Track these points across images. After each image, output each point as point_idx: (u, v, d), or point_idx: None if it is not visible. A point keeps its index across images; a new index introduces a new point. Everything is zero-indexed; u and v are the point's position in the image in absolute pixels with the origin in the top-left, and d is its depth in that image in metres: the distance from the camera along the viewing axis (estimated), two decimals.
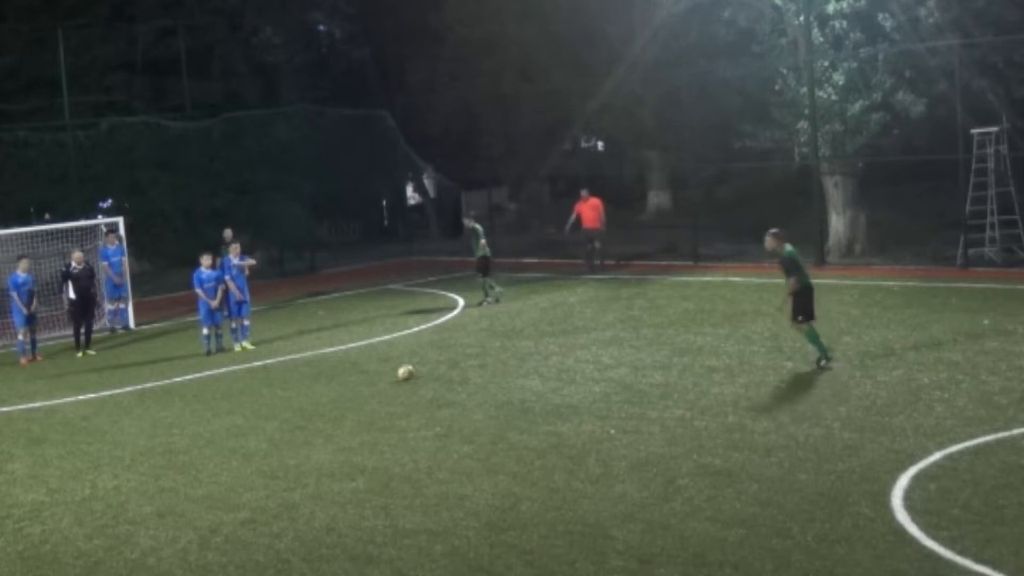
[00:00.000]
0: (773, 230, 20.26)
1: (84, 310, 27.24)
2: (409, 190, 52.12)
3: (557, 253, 38.96)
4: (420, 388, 20.02)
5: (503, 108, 45.20)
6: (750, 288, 29.52)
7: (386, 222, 50.90)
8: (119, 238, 30.28)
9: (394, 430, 17.30)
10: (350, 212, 47.79)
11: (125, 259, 30.46)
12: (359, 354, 23.89)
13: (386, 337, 25.35)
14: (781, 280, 20.53)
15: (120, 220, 31.31)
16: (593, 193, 36.60)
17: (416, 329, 26.52)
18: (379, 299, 32.52)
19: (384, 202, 50.31)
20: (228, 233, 28.99)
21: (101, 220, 32.77)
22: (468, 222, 31.58)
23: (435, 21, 46.17)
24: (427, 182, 50.77)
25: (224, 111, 41.45)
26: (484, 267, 30.36)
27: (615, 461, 14.92)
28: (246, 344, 25.30)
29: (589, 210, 36.05)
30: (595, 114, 43.28)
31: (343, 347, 24.75)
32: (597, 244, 36.06)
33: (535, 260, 38.71)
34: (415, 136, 45.83)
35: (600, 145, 52.53)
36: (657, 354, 21.74)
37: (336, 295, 34.24)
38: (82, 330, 27.14)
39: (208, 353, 24.91)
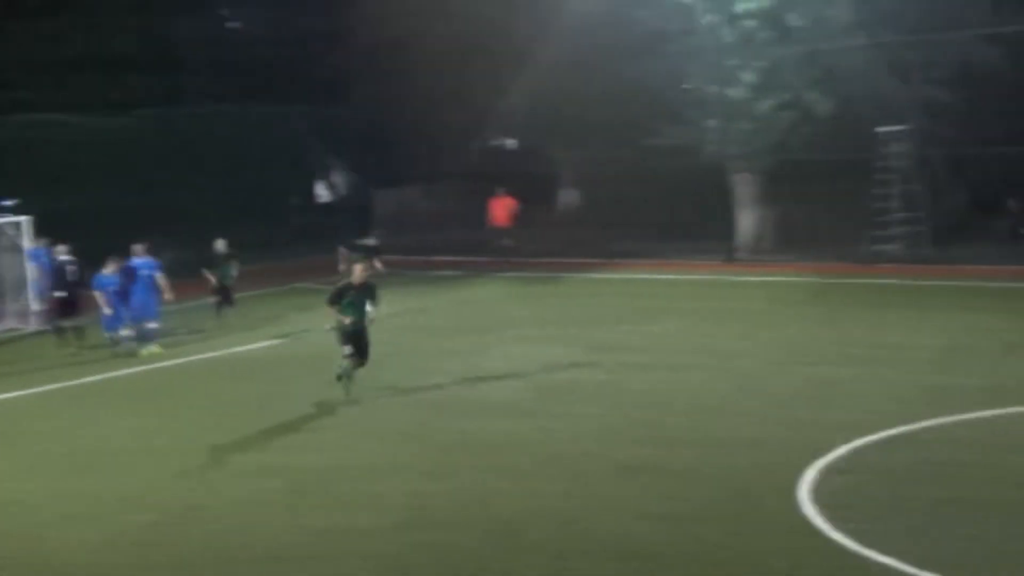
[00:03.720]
0: None
1: None
2: (320, 188, 51.70)
3: (469, 251, 38.92)
4: (331, 387, 19.87)
5: (415, 106, 45.02)
6: (660, 285, 29.72)
7: (295, 221, 50.42)
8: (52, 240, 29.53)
9: (305, 429, 17.17)
10: (259, 211, 47.29)
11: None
12: (269, 354, 23.67)
13: (297, 336, 25.16)
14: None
15: (25, 219, 30.66)
16: (508, 192, 36.69)
17: (328, 327, 26.31)
18: (289, 298, 32.22)
19: (294, 201, 49.86)
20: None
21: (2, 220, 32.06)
22: (221, 247, 27.45)
23: (347, 18, 45.88)
24: (338, 180, 50.40)
25: (134, 109, 40.87)
26: (227, 296, 27.42)
27: (528, 458, 14.93)
28: (153, 348, 24.86)
29: (500, 208, 36.19)
30: (507, 113, 43.29)
31: (253, 347, 24.50)
32: (506, 242, 36.18)
33: (447, 258, 38.62)
34: (327, 134, 45.49)
35: (510, 143, 52.47)
36: (568, 351, 21.80)
37: (246, 294, 33.89)
38: None
39: (118, 354, 24.47)
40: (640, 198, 38.66)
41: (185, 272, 37.37)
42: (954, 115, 33.68)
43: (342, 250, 28.50)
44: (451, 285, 32.62)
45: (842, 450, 14.30)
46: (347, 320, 18.52)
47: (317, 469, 15.01)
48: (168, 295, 24.74)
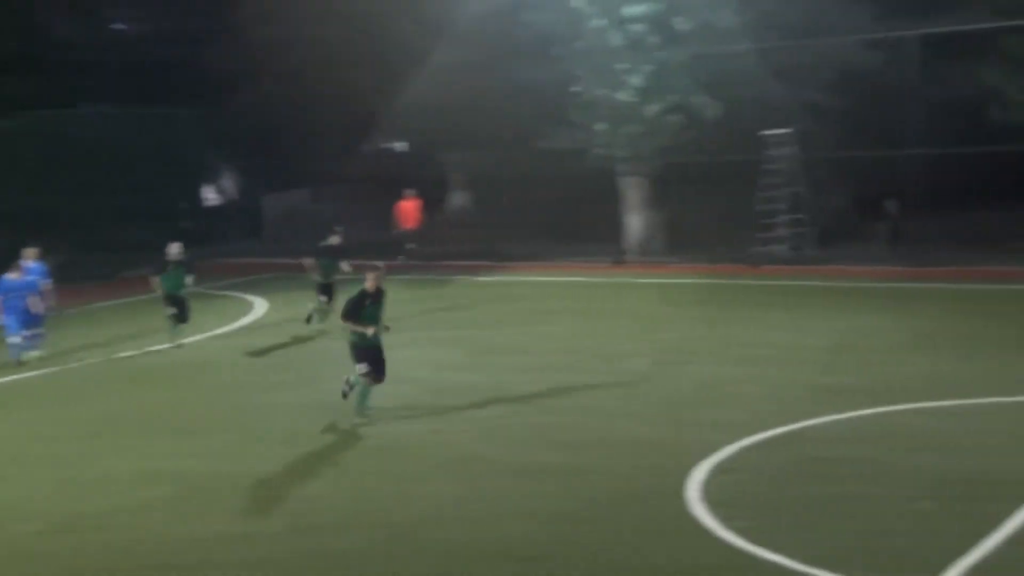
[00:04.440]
0: None
1: None
2: (210, 192, 51.12)
3: (361, 254, 38.63)
4: (225, 392, 19.65)
5: (305, 109, 44.72)
6: (550, 287, 29.82)
7: (185, 224, 49.82)
8: None
9: (198, 435, 16.91)
10: (146, 214, 46.64)
11: None
12: (161, 359, 23.29)
13: (188, 341, 24.80)
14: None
15: None
16: (407, 195, 36.75)
17: (219, 332, 26.04)
18: None
19: (182, 204, 49.22)
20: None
21: None
22: (175, 252, 24.37)
23: (235, 19, 45.41)
24: (226, 184, 49.90)
25: (16, 111, 40.07)
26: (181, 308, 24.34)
27: (423, 461, 14.89)
28: (35, 354, 24.19)
29: (408, 211, 36.27)
30: (398, 115, 43.15)
31: (143, 352, 24.09)
32: (411, 245, 36.28)
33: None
34: (215, 137, 45.04)
35: (400, 146, 52.33)
36: (461, 353, 21.79)
37: (135, 299, 33.38)
38: None
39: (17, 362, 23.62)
40: (530, 201, 38.81)
41: (68, 277, 36.74)
42: (836, 119, 34.31)
43: (307, 260, 26.06)
44: (340, 289, 32.38)
45: (730, 450, 14.47)
46: (370, 330, 16.68)
47: (205, 475, 14.80)
48: (49, 302, 24.16)
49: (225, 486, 14.27)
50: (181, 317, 24.07)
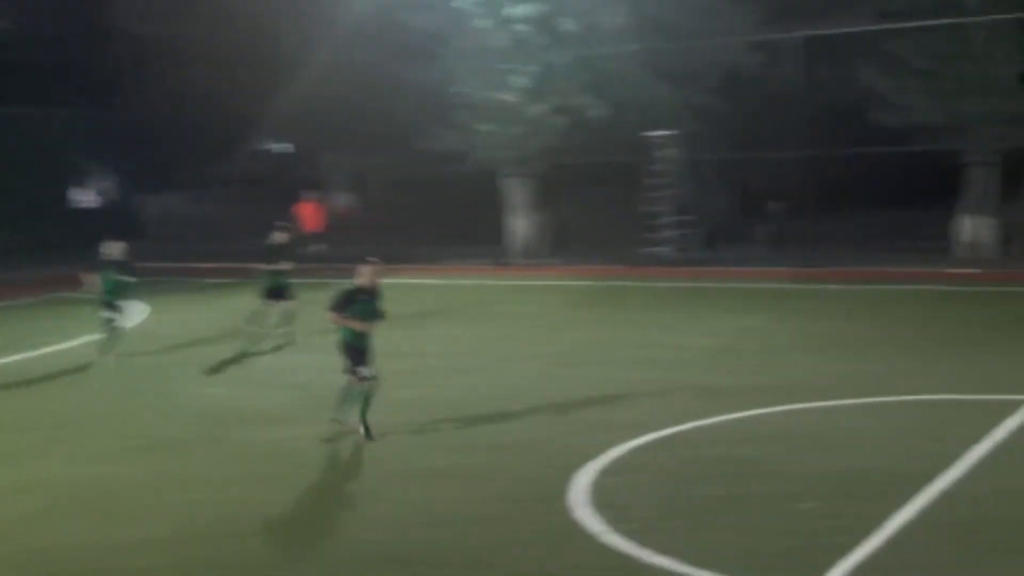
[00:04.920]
0: None
1: None
2: (83, 194, 50.13)
3: (237, 258, 38.10)
4: (102, 398, 19.08)
5: (182, 109, 44.03)
6: (433, 290, 29.61)
7: (55, 227, 48.78)
8: None
9: (73, 443, 16.34)
10: (17, 217, 45.60)
11: None
12: (25, 367, 22.57)
13: (60, 347, 24.13)
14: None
15: None
16: (307, 197, 36.03)
17: (93, 338, 25.38)
18: (51, 309, 31.01)
19: (54, 206, 48.19)
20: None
21: None
22: (115, 251, 22.23)
23: (112, 19, 44.60)
24: (102, 185, 48.96)
25: None
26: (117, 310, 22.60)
27: (304, 467, 14.56)
28: None
29: (310, 213, 35.41)
30: (280, 115, 42.67)
31: (6, 360, 23.37)
32: (316, 248, 35.40)
33: (216, 265, 37.76)
34: (90, 137, 44.16)
35: (280, 147, 51.82)
36: (339, 358, 21.53)
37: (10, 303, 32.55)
38: None
39: None
40: (413, 203, 38.67)
41: None
42: (721, 121, 34.61)
43: (260, 265, 23.98)
44: (220, 293, 31.90)
45: (617, 451, 14.35)
46: (359, 325, 15.58)
47: (83, 484, 14.25)
48: None
49: (103, 494, 13.73)
50: (116, 324, 22.04)
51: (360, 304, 15.76)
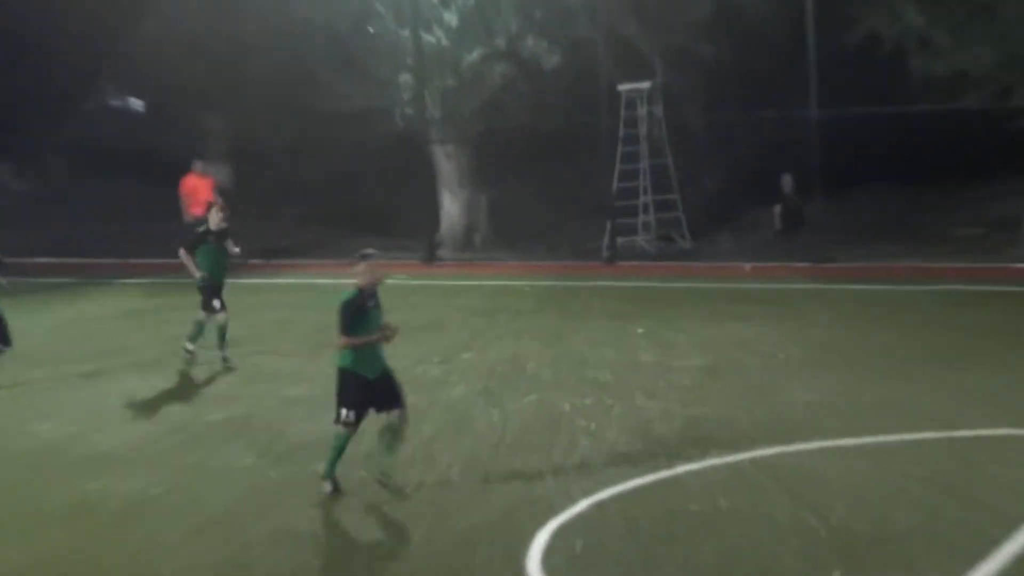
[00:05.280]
0: None
1: None
2: None
3: (81, 251, 37.95)
4: None
5: (3, 57, 43.72)
6: (338, 293, 29.61)
7: None
8: None
9: None
10: None
11: None
12: None
13: None
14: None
15: None
16: (195, 170, 35.67)
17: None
18: None
19: None
20: None
21: None
22: None
23: None
24: None
25: None
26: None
27: (168, 525, 14.62)
28: None
29: (198, 190, 34.98)
30: (133, 63, 42.38)
31: None
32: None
33: (52, 260, 37.58)
34: None
35: (136, 104, 51.45)
36: (217, 382, 21.62)
37: None
38: None
39: None
40: (314, 179, 38.45)
41: None
42: (710, 70, 34.62)
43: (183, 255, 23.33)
44: (57, 296, 31.80)
45: (583, 505, 14.41)
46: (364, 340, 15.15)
47: None
48: None
49: None
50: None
51: (373, 315, 15.38)
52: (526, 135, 35.48)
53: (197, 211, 34.65)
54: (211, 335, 22.84)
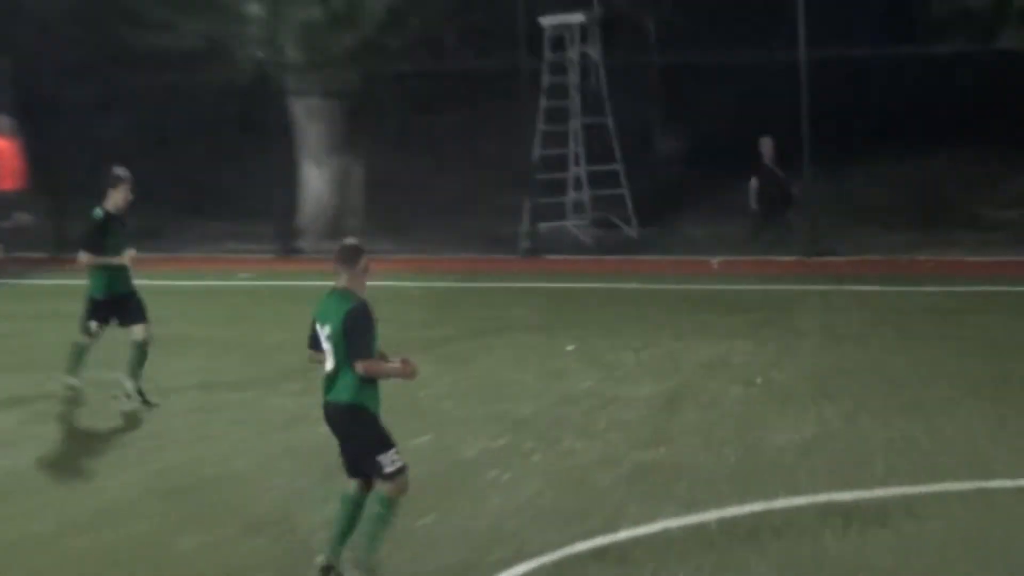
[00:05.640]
0: None
1: None
2: None
3: None
4: None
5: None
6: (164, 297, 29.35)
7: None
8: None
9: None
10: None
11: None
12: None
13: None
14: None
15: None
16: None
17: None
18: None
19: None
20: None
21: None
22: None
23: None
24: None
25: None
26: None
27: None
28: None
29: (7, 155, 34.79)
30: None
31: None
32: (24, 215, 34.76)
33: None
34: None
35: None
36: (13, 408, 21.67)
37: None
38: None
39: None
40: (126, 140, 38.28)
41: None
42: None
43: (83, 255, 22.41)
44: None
45: None
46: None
47: None
48: None
49: None
50: None
51: (376, 330, 14.75)
52: (417, 85, 35.58)
53: (4, 184, 34.48)
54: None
